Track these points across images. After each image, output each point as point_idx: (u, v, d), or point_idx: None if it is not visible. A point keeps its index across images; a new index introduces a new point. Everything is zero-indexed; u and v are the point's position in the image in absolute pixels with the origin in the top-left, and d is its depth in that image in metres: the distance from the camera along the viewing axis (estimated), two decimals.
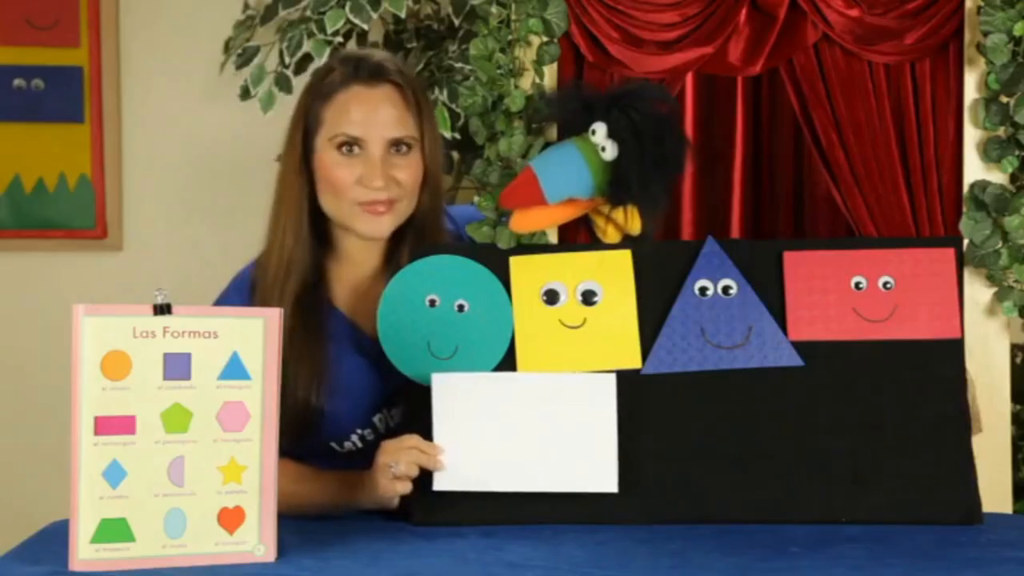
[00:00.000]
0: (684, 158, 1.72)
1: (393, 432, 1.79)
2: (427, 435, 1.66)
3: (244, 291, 1.84)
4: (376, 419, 1.83)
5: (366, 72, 1.79)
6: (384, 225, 1.79)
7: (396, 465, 1.64)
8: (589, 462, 1.64)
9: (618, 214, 1.71)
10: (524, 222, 1.72)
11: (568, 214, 1.73)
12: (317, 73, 1.88)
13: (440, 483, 1.64)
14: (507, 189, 1.71)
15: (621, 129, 1.67)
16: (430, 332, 1.71)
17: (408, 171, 1.80)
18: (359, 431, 1.82)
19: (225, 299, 1.85)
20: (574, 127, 1.71)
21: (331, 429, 1.81)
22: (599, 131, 1.68)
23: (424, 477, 1.66)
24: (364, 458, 1.75)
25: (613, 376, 1.65)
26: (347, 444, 1.82)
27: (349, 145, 1.77)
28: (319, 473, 1.78)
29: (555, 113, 1.76)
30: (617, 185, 1.68)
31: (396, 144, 1.79)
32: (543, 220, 1.73)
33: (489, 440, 1.64)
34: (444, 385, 1.65)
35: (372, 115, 1.77)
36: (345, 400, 1.80)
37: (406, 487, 1.65)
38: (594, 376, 1.66)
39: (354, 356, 1.82)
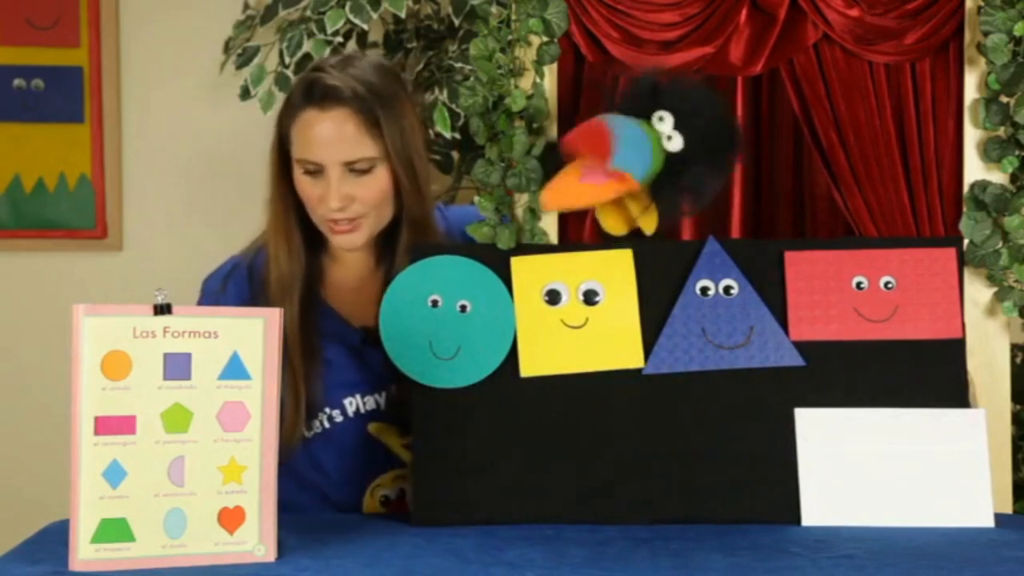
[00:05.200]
0: (733, 168, 1.74)
1: (364, 418, 1.84)
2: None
3: (241, 282, 1.87)
4: (347, 402, 1.85)
5: (319, 95, 1.79)
6: (354, 239, 1.83)
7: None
8: (962, 496, 1.64)
9: (635, 205, 1.70)
10: (556, 198, 1.66)
11: (599, 196, 1.67)
12: (290, 89, 1.91)
13: (809, 517, 1.65)
14: (575, 132, 1.65)
15: (691, 126, 1.67)
16: (432, 332, 1.71)
17: (368, 190, 1.80)
18: (327, 410, 1.84)
19: (224, 295, 1.87)
20: (637, 107, 1.68)
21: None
22: (667, 120, 1.67)
23: (425, 478, 1.67)
24: (327, 441, 1.82)
25: (983, 411, 1.67)
26: (314, 423, 1.84)
27: (311, 171, 1.80)
28: None
29: (629, 84, 1.73)
30: (675, 176, 1.67)
31: (352, 166, 1.79)
32: (575, 199, 1.66)
33: (856, 473, 1.65)
34: (807, 418, 1.67)
35: (327, 140, 1.78)
36: (320, 379, 1.83)
37: None
38: (963, 411, 1.67)
39: (336, 344, 1.85)
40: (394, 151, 1.80)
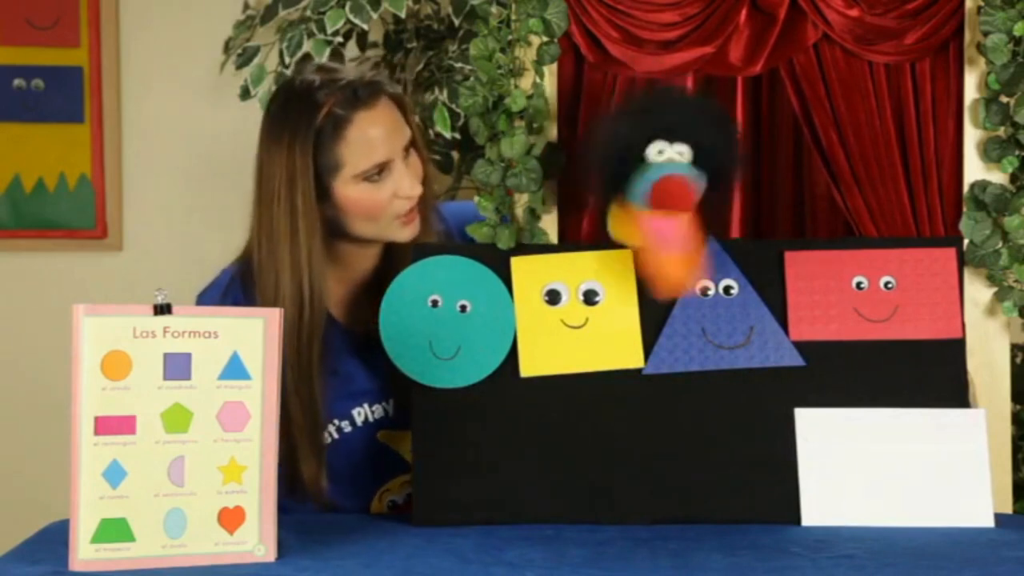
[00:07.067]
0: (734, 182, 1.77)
1: (372, 427, 1.84)
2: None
3: (238, 296, 1.84)
4: (355, 412, 1.85)
5: (366, 95, 1.79)
6: (417, 225, 1.84)
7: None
8: (962, 496, 1.64)
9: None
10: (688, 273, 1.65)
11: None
12: (301, 111, 1.77)
13: (809, 517, 1.65)
14: (659, 198, 1.58)
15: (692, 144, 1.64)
16: (432, 332, 1.70)
17: (417, 170, 1.84)
18: (336, 422, 1.84)
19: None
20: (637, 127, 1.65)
21: None
22: (673, 145, 1.63)
23: (425, 478, 1.67)
24: (335, 451, 1.80)
25: (983, 411, 1.67)
26: (324, 435, 1.83)
27: (373, 176, 1.79)
28: None
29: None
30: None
31: (406, 148, 1.82)
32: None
33: (856, 473, 1.65)
34: (807, 418, 1.67)
35: (386, 133, 1.79)
36: (328, 391, 1.81)
37: None
38: (963, 411, 1.67)
39: (341, 351, 1.83)
40: (416, 129, 1.86)
